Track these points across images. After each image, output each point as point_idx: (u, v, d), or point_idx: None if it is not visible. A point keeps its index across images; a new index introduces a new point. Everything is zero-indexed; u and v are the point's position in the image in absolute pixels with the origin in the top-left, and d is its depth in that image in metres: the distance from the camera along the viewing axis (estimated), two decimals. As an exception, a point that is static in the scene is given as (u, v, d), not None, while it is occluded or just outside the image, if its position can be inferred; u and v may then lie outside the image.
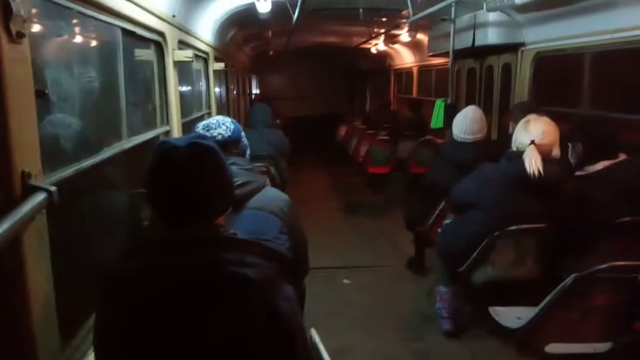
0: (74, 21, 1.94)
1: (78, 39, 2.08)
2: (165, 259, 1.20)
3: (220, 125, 1.92)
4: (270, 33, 7.72)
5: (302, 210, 2.05)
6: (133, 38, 2.56)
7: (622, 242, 2.65)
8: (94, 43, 2.26)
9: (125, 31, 2.36)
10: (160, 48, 3.02)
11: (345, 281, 4.66)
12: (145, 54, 2.94)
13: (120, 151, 2.19)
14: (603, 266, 2.18)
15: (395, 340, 3.61)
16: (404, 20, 6.27)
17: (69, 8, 1.73)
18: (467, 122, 3.76)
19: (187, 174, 1.20)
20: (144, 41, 2.80)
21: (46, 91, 1.55)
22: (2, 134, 1.19)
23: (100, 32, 2.23)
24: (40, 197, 1.24)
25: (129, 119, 2.35)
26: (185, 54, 3.21)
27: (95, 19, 2.00)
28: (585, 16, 3.72)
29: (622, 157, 2.89)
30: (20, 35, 1.23)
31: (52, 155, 1.56)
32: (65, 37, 1.94)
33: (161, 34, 2.95)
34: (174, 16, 3.17)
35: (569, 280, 2.17)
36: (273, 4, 4.51)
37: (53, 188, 1.28)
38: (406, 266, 4.88)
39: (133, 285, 1.19)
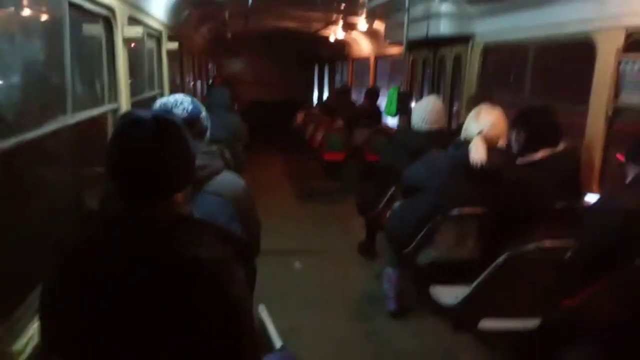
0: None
1: (23, 10, 2.02)
2: (119, 232, 1.19)
3: (178, 104, 1.89)
4: (227, 14, 7.60)
5: (257, 195, 2.07)
6: (81, 12, 2.49)
7: (556, 226, 2.81)
8: (39, 15, 2.20)
9: (72, 5, 2.30)
10: (109, 23, 2.95)
11: (297, 265, 4.73)
12: (94, 29, 2.87)
13: (65, 126, 2.14)
14: (532, 246, 2.32)
15: (343, 320, 3.72)
16: (361, 7, 6.32)
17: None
18: (426, 111, 3.85)
19: (151, 144, 1.20)
20: (92, 16, 2.73)
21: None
22: None
23: (46, 4, 2.17)
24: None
25: (75, 94, 2.30)
26: (135, 31, 3.14)
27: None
28: (530, 9, 3.88)
29: (562, 146, 3.04)
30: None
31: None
32: (10, 6, 1.88)
33: (110, 9, 2.87)
34: (124, -9, 3.11)
35: (501, 259, 2.30)
36: (229, -16, 4.47)
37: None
38: (357, 250, 4.99)
39: (85, 256, 1.19)
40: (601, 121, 3.16)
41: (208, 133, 2.05)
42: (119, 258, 1.17)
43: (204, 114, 1.98)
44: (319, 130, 8.50)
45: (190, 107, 1.91)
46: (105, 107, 2.92)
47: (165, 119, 1.27)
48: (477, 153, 2.84)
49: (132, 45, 3.42)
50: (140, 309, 1.16)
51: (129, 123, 1.22)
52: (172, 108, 1.87)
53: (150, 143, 1.20)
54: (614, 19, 3.03)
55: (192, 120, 1.89)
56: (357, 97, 9.67)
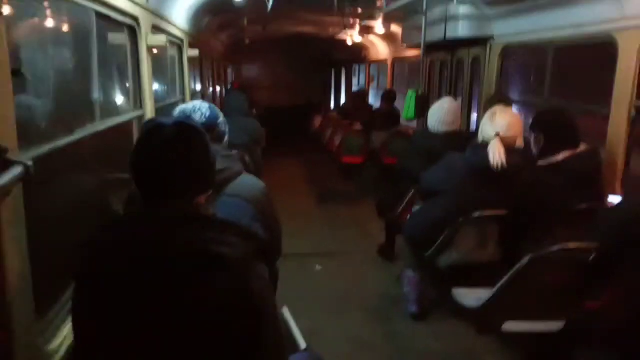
0: (49, 3, 1.96)
1: (53, 21, 2.10)
2: (144, 232, 1.23)
3: (196, 110, 1.94)
4: (245, 21, 7.69)
5: (276, 198, 2.10)
6: (107, 21, 2.57)
7: (578, 228, 2.79)
8: (68, 25, 2.27)
9: (99, 14, 2.37)
10: (134, 32, 3.03)
11: (317, 267, 4.76)
12: (119, 38, 2.95)
13: (94, 132, 2.21)
14: (555, 247, 2.32)
15: (363, 322, 3.73)
16: (378, 11, 6.35)
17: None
18: (442, 113, 3.85)
19: (174, 149, 1.26)
20: (118, 25, 2.81)
21: (22, 70, 1.58)
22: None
23: (74, 14, 2.24)
24: (16, 171, 1.28)
25: (102, 101, 2.37)
26: (159, 39, 3.22)
27: (70, 1, 2.02)
28: (548, 11, 3.86)
29: (583, 147, 3.02)
30: (-4, 14, 1.26)
31: (28, 133, 1.60)
32: (40, 19, 1.95)
33: (135, 18, 2.95)
34: (147, 1, 3.18)
35: (524, 261, 2.30)
36: (248, -9, 4.54)
37: (30, 162, 1.32)
38: (377, 252, 5.00)
39: (112, 256, 1.22)
40: (624, 122, 3.14)
41: (227, 137, 2.09)
42: (145, 258, 1.20)
43: (221, 119, 2.03)
44: (337, 133, 8.53)
45: (208, 113, 1.96)
46: (131, 114, 3.00)
47: (186, 124, 1.32)
48: (496, 155, 2.84)
49: (156, 53, 3.50)
50: (168, 306, 1.18)
51: (152, 129, 1.28)
52: (190, 114, 1.92)
53: (173, 148, 1.25)
54: (635, 19, 3.01)
55: (210, 125, 1.94)
56: (375, 100, 9.69)
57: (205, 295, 1.19)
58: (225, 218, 1.35)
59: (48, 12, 2.01)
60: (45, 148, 1.68)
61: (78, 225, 2.13)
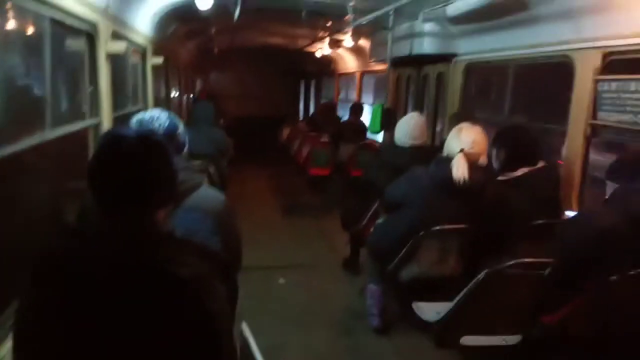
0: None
1: (3, 24, 2.02)
2: (98, 246, 1.18)
3: (154, 120, 1.88)
4: (213, 30, 7.64)
5: (241, 210, 2.07)
6: (62, 27, 2.49)
7: (536, 243, 2.84)
8: (19, 30, 2.19)
9: (53, 20, 2.29)
10: (91, 39, 2.94)
11: (281, 280, 4.70)
12: (76, 44, 2.86)
13: (44, 141, 2.12)
14: (510, 262, 2.34)
15: (326, 337, 3.70)
16: (346, 26, 6.40)
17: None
18: (409, 128, 3.88)
19: (135, 160, 1.22)
20: (74, 31, 2.72)
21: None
22: None
23: (26, 20, 2.16)
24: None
25: (54, 109, 2.28)
26: (119, 46, 3.14)
27: (22, 7, 1.95)
28: (510, 30, 3.97)
29: (541, 164, 3.10)
30: None
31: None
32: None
33: (93, 24, 2.87)
34: (107, 7, 3.10)
35: (481, 276, 2.32)
36: (215, 0, 4.49)
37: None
38: (341, 266, 4.98)
39: (63, 268, 1.17)
40: (580, 139, 3.23)
41: (186, 148, 2.04)
42: (98, 272, 1.15)
43: (181, 129, 1.96)
44: (305, 145, 8.52)
45: (167, 123, 1.90)
46: (86, 122, 2.90)
47: (148, 136, 1.29)
48: (460, 170, 2.87)
49: (116, 59, 3.42)
50: (118, 326, 1.14)
51: (111, 140, 1.24)
52: (148, 124, 1.86)
53: (133, 158, 1.22)
54: (591, 41, 3.11)
55: (169, 135, 1.88)
56: (343, 112, 9.74)
57: (159, 316, 1.15)
58: (184, 236, 1.32)
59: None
60: (-14, 157, 1.59)
61: (24, 239, 2.03)
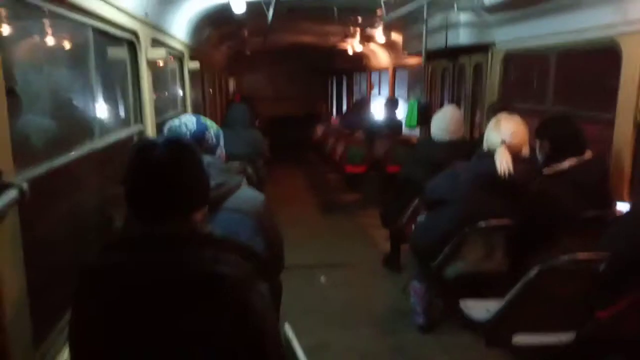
0: (45, 20, 1.94)
1: (49, 38, 2.08)
2: (142, 255, 1.21)
3: (182, 125, 1.91)
4: (246, 32, 7.71)
5: (279, 209, 2.08)
6: (105, 37, 2.55)
7: (585, 236, 2.74)
8: (65, 42, 2.26)
9: (96, 30, 2.35)
10: (133, 47, 3.01)
11: (322, 279, 4.71)
12: (118, 53, 2.93)
13: (93, 150, 2.18)
14: (564, 258, 2.27)
15: (370, 335, 3.67)
16: (379, 20, 6.34)
17: (39, 7, 1.73)
18: (445, 122, 3.83)
19: (166, 168, 1.25)
20: (116, 40, 2.79)
21: (16, 89, 1.55)
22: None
23: (71, 31, 2.23)
24: (12, 194, 1.25)
25: (102, 117, 2.34)
26: (159, 53, 3.21)
27: (67, 18, 2.00)
28: (550, 17, 3.84)
29: (589, 154, 2.99)
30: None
31: (23, 153, 1.57)
32: (36, 36, 1.93)
33: (133, 32, 2.94)
34: (146, 14, 3.17)
35: (532, 272, 2.25)
36: (248, 4, 4.53)
37: (25, 185, 1.29)
38: (382, 263, 4.95)
39: (110, 281, 1.20)
40: (630, 127, 3.09)
41: (219, 149, 2.04)
42: (143, 280, 1.18)
43: (211, 131, 1.97)
44: (339, 143, 8.50)
45: (194, 127, 1.92)
46: (132, 129, 2.98)
47: (176, 143, 1.31)
48: (503, 164, 2.80)
49: (156, 66, 3.48)
50: (166, 329, 1.17)
51: (141, 151, 1.27)
52: (177, 130, 1.90)
53: (163, 167, 1.24)
54: (638, 24, 2.97)
55: (198, 138, 1.90)
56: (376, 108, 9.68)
57: (204, 316, 1.17)
58: (223, 235, 1.34)
59: (44, 29, 2.00)
60: (42, 168, 1.65)
61: (77, 247, 2.10)
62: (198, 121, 1.96)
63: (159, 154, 1.25)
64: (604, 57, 3.47)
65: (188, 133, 1.90)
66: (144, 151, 1.27)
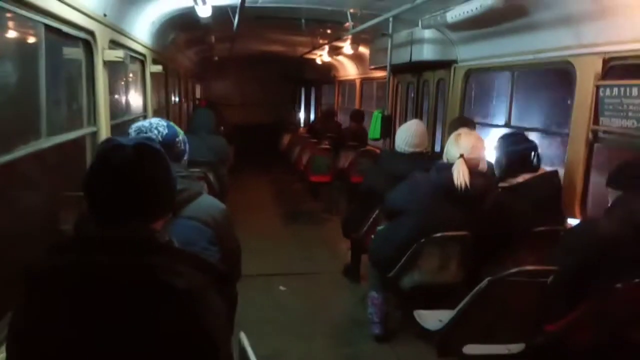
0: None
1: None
2: (93, 257, 1.16)
3: (153, 128, 1.87)
4: (213, 38, 7.64)
5: (242, 217, 2.06)
6: (59, 35, 2.47)
7: (539, 250, 2.81)
8: (11, 38, 2.18)
9: (49, 28, 2.28)
10: (89, 47, 2.93)
11: (281, 288, 4.67)
12: (73, 52, 2.85)
13: (39, 149, 2.10)
14: (514, 270, 2.31)
15: (326, 345, 3.65)
16: (346, 33, 6.40)
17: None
18: (409, 135, 3.86)
19: (132, 170, 1.20)
20: (71, 39, 2.71)
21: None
22: None
23: (21, 27, 2.15)
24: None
25: (50, 117, 2.26)
26: (117, 54, 3.12)
27: (16, 14, 1.93)
28: (510, 37, 3.95)
29: (542, 170, 3.08)
30: None
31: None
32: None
33: (90, 32, 2.85)
34: (105, 15, 3.09)
35: (483, 283, 2.28)
36: (214, 8, 4.48)
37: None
38: (342, 273, 4.94)
39: (58, 281, 1.16)
40: (582, 145, 3.20)
41: (186, 156, 2.03)
42: (94, 282, 1.14)
43: (180, 137, 1.96)
44: (305, 152, 8.50)
45: (165, 131, 1.89)
46: (84, 130, 2.88)
47: (147, 145, 1.27)
48: (461, 176, 2.85)
49: (115, 67, 3.40)
50: (113, 336, 1.13)
51: (110, 150, 1.22)
52: (147, 132, 1.85)
53: (130, 168, 1.20)
54: (591, 47, 3.09)
55: (167, 144, 1.86)
56: (343, 119, 9.73)
57: (154, 327, 1.14)
58: (180, 246, 1.30)
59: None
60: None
61: (20, 249, 2.01)
62: (169, 125, 1.92)
63: (128, 155, 1.21)
64: (558, 77, 3.59)
65: (160, 137, 1.85)
66: (112, 150, 1.22)
